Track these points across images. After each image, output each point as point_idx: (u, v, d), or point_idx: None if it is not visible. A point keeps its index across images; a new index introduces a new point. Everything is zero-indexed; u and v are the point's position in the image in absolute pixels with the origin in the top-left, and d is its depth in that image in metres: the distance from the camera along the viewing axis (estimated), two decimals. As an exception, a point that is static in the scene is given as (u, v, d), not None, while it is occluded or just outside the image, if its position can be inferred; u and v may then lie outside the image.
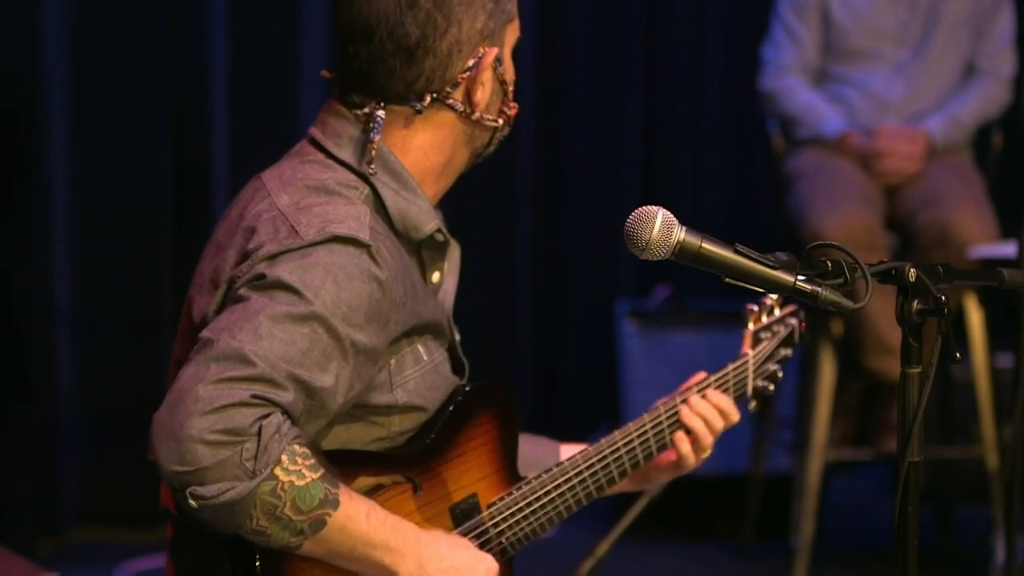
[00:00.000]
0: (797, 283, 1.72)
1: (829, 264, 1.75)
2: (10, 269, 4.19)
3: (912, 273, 1.74)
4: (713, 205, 5.45)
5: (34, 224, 4.19)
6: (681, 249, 1.69)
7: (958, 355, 1.75)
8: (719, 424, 2.26)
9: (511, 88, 2.09)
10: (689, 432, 2.25)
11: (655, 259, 1.70)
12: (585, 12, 5.23)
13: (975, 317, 3.97)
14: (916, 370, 1.75)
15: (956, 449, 4.30)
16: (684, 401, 2.26)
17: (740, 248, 1.72)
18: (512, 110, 2.10)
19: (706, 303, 4.77)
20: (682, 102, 5.41)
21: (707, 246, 1.70)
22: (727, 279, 1.72)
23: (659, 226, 1.68)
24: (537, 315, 5.25)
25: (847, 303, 1.73)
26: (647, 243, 1.69)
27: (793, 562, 3.97)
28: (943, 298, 1.74)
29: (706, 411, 2.25)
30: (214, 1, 4.40)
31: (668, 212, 1.69)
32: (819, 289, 1.72)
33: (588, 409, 5.12)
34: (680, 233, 1.69)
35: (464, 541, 2.01)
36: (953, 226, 3.92)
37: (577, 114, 5.24)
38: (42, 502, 4.21)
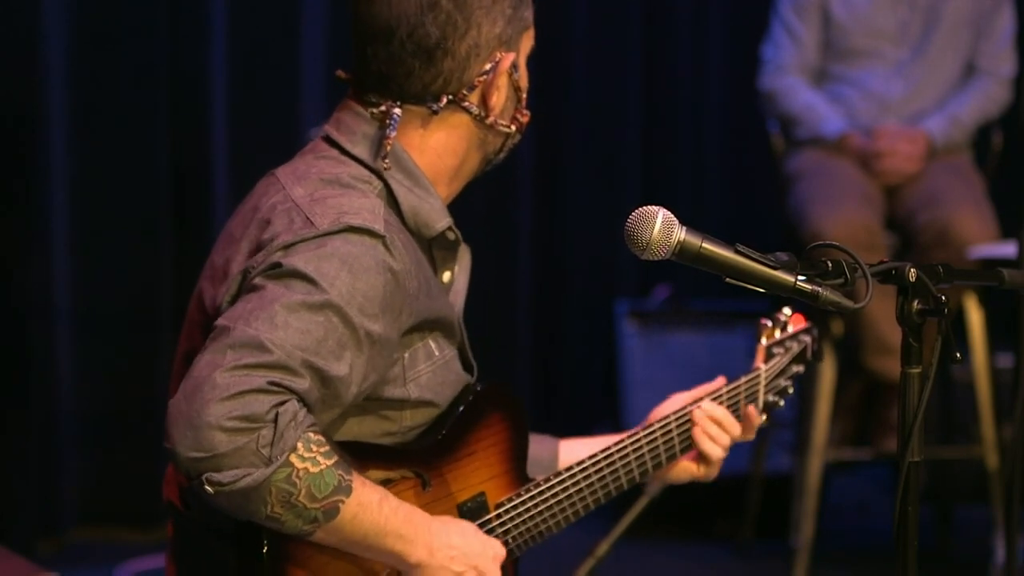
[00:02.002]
0: (797, 283, 1.72)
1: (829, 264, 1.75)
2: (10, 269, 4.19)
3: (912, 273, 1.74)
4: (713, 205, 5.45)
5: (34, 224, 4.19)
6: (681, 249, 1.69)
7: (958, 355, 1.75)
8: (735, 431, 2.28)
9: (524, 95, 2.12)
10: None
11: (655, 259, 1.70)
12: (585, 12, 5.23)
13: (975, 317, 3.97)
14: (916, 370, 1.75)
15: (956, 449, 4.30)
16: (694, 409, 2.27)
17: (740, 248, 1.72)
18: (525, 117, 2.13)
19: (706, 303, 4.77)
20: (682, 102, 5.41)
21: (707, 246, 1.70)
22: (727, 279, 1.72)
23: (659, 226, 1.68)
24: (537, 315, 5.24)
25: (847, 303, 1.73)
26: (647, 243, 1.69)
27: (793, 562, 3.97)
28: (943, 298, 1.74)
29: (722, 417, 2.27)
30: (214, 1, 4.40)
31: (668, 212, 1.70)
32: (819, 289, 1.72)
33: (588, 409, 5.12)
34: (680, 233, 1.69)
35: (472, 528, 2.01)
36: (953, 226, 3.92)
37: (577, 114, 5.24)
38: (42, 502, 4.20)
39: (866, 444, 4.19)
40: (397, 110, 2.01)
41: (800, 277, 1.72)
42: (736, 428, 2.29)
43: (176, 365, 2.07)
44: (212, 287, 2.00)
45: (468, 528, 2.00)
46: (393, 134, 2.00)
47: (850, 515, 4.79)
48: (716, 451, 2.27)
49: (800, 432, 4.20)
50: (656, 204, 1.70)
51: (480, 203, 4.92)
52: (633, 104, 5.33)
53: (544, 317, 5.26)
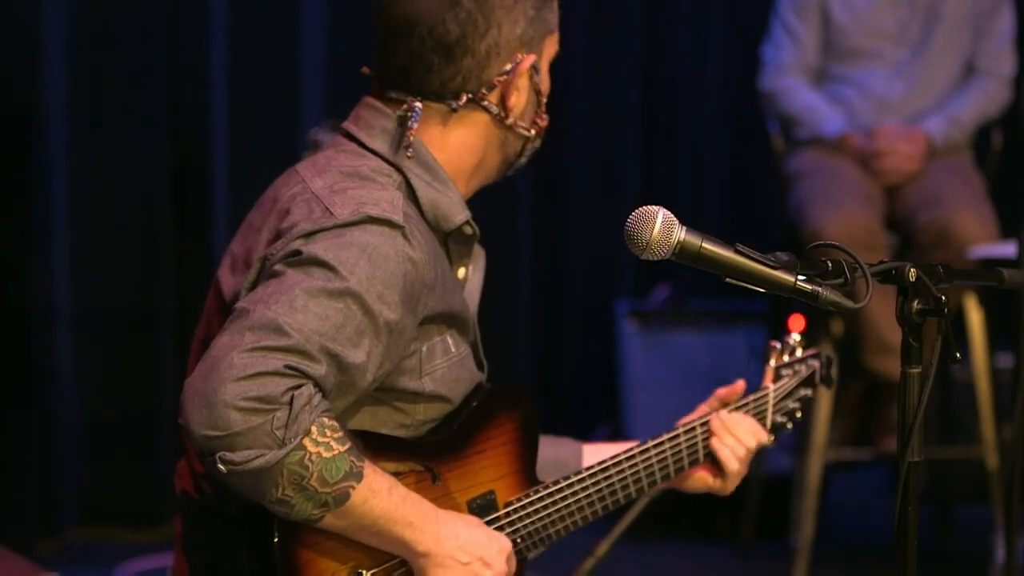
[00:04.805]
0: (797, 283, 1.72)
1: (829, 264, 1.75)
2: (10, 269, 4.19)
3: (912, 273, 1.75)
4: (713, 205, 5.45)
5: (34, 224, 4.19)
6: (681, 249, 1.69)
7: (958, 355, 1.75)
8: (750, 441, 2.26)
9: (545, 99, 2.14)
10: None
11: (655, 259, 1.71)
12: (585, 12, 5.23)
13: (975, 317, 3.97)
14: (916, 370, 1.75)
15: (956, 449, 4.30)
16: (709, 420, 2.26)
17: (740, 248, 1.72)
18: (544, 121, 2.15)
19: (706, 303, 4.77)
20: (682, 102, 5.41)
21: (707, 246, 1.70)
22: (727, 279, 1.72)
23: (660, 226, 1.69)
24: (537, 315, 5.25)
25: (847, 303, 1.73)
26: (648, 243, 1.69)
27: (793, 562, 3.97)
28: (943, 298, 1.74)
29: (736, 426, 2.26)
30: (214, 1, 4.40)
31: (668, 212, 1.70)
32: (819, 289, 1.72)
33: (588, 409, 5.12)
34: (680, 233, 1.69)
35: (478, 521, 2.03)
36: (953, 226, 3.92)
37: (577, 114, 5.24)
38: (42, 502, 4.21)
39: (866, 444, 4.19)
40: (418, 104, 2.04)
41: (800, 277, 1.72)
42: (751, 439, 2.26)
43: (193, 352, 2.09)
44: (231, 276, 2.02)
45: (474, 521, 2.02)
46: (415, 126, 2.03)
47: (850, 515, 4.79)
48: (732, 462, 2.26)
49: (800, 432, 4.20)
50: (656, 204, 1.71)
51: (480, 203, 4.91)
52: (633, 104, 5.33)
53: (544, 317, 5.26)
